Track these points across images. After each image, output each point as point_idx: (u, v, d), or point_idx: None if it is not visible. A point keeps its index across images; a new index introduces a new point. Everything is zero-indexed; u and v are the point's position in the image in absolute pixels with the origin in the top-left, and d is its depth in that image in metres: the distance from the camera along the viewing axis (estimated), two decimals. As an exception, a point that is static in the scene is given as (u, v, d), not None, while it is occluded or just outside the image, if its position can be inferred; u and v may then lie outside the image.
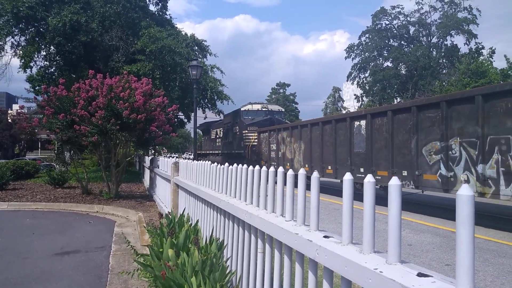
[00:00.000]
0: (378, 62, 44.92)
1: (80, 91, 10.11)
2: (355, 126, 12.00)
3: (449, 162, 8.58)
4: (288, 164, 16.42)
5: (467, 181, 8.03)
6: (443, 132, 8.68)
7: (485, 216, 9.39)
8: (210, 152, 28.37)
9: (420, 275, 1.20)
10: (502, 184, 7.37)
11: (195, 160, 5.30)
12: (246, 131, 21.90)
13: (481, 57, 33.33)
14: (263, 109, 23.73)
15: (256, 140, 20.78)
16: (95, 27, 17.05)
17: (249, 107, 23.65)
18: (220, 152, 26.04)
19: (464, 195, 1.07)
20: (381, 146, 10.83)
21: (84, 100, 9.84)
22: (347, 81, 49.80)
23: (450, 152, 8.56)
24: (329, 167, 13.31)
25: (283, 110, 26.40)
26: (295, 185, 2.16)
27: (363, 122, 11.63)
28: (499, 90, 7.59)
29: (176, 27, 21.77)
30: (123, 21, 18.19)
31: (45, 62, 19.80)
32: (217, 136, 27.61)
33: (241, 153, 22.17)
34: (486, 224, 8.34)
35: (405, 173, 9.86)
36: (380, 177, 10.56)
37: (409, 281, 1.18)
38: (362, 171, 11.38)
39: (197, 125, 21.79)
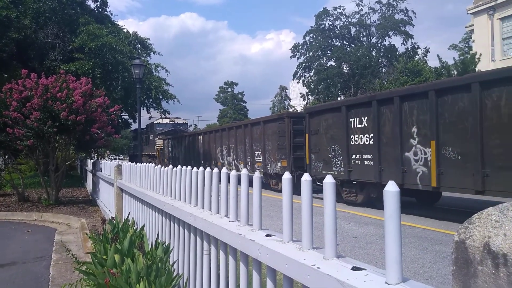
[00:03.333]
0: (322, 61, 46.05)
1: (13, 91, 9.46)
2: (199, 138, 21.38)
3: (223, 156, 18.22)
4: (177, 161, 23.96)
5: (227, 165, 17.48)
6: (221, 141, 18.47)
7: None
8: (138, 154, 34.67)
9: (354, 268, 1.25)
10: (240, 166, 16.41)
11: (130, 162, 5.17)
12: (157, 139, 30.38)
13: (417, 56, 35.34)
14: (170, 122, 32.78)
15: (162, 145, 28.52)
16: (28, 23, 15.93)
17: (160, 120, 31.54)
18: (143, 153, 32.87)
19: (391, 191, 1.12)
20: (207, 149, 20.30)
21: (17, 102, 9.24)
22: (293, 80, 50.59)
23: (223, 152, 18.24)
24: (192, 162, 20.51)
25: (186, 122, 36.60)
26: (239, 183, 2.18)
27: (201, 137, 21.20)
28: (239, 124, 17.34)
29: (118, 25, 20.98)
30: (59, 17, 17.21)
31: (-28, 61, 18.27)
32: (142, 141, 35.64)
33: (154, 154, 30.49)
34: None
35: (214, 162, 18.95)
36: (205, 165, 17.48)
37: (344, 275, 1.22)
38: (202, 162, 19.75)
39: (132, 129, 32.32)
